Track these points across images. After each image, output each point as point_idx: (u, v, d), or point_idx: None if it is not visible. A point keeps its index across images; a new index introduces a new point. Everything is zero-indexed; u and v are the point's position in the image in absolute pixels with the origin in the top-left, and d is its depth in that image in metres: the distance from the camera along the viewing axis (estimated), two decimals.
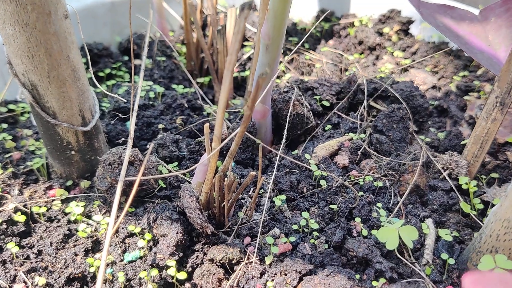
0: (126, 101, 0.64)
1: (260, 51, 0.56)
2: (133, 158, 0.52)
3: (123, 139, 0.61)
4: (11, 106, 0.66)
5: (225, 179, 0.47)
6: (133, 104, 0.50)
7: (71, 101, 0.50)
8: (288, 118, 0.63)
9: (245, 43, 0.86)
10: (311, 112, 0.65)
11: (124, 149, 0.53)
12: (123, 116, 0.66)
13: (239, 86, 0.80)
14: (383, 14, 0.88)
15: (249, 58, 0.82)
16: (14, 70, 0.48)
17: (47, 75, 0.47)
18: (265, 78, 0.41)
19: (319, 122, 0.68)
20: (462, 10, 0.61)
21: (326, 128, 0.67)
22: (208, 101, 0.74)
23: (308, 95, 0.70)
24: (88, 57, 0.57)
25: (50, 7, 0.44)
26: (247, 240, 0.50)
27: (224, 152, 0.62)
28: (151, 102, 0.68)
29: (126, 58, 0.81)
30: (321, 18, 0.58)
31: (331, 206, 0.53)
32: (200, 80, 0.78)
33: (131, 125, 0.49)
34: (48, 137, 0.53)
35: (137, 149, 0.53)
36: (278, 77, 0.78)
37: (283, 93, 0.64)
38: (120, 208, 0.52)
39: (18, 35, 0.44)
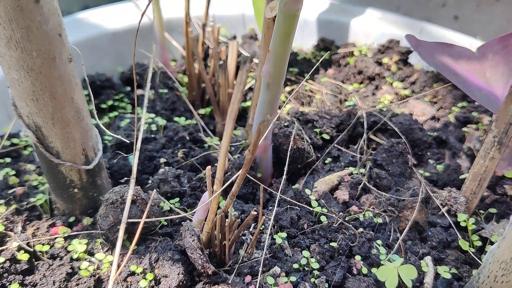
0: (128, 141, 0.65)
1: (261, 89, 0.57)
2: (135, 197, 0.52)
3: (125, 178, 0.61)
4: (15, 140, 0.67)
5: (226, 219, 0.48)
6: (136, 141, 0.51)
7: (74, 141, 0.51)
8: (288, 152, 0.63)
9: None
10: (311, 146, 0.66)
11: (125, 186, 0.54)
12: (126, 151, 0.66)
13: (240, 116, 0.81)
14: (382, 44, 0.89)
15: (250, 89, 0.83)
16: (19, 112, 0.49)
17: (51, 117, 0.48)
18: (266, 124, 0.42)
19: (319, 155, 0.69)
20: (459, 47, 0.62)
21: (326, 161, 0.68)
22: (209, 132, 0.74)
23: (308, 128, 0.71)
24: (90, 92, 0.57)
25: (55, 52, 0.45)
26: (248, 279, 0.51)
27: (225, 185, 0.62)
28: (153, 135, 0.69)
29: (128, 88, 0.82)
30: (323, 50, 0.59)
31: (331, 244, 0.54)
32: (201, 111, 0.79)
33: (134, 165, 0.50)
34: (51, 175, 0.54)
35: (139, 187, 0.54)
36: (278, 108, 0.79)
37: (284, 128, 0.65)
38: (123, 245, 0.53)
39: (23, 79, 0.45)
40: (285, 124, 0.65)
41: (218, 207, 0.50)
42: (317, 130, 0.70)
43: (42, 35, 0.43)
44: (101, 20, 0.83)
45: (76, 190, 0.55)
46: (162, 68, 0.82)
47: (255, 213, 0.47)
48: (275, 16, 0.57)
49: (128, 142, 0.67)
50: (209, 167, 0.45)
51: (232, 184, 0.46)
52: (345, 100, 0.82)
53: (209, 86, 0.74)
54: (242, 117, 0.81)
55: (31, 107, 0.47)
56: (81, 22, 0.82)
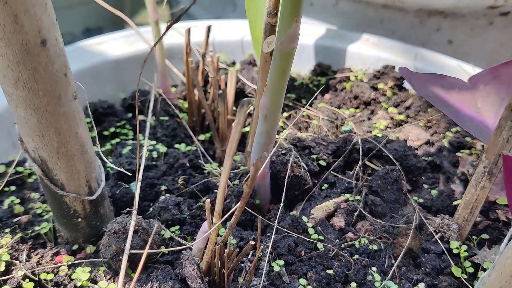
0: (130, 170, 0.66)
1: (259, 120, 0.59)
2: (137, 227, 0.54)
3: (127, 209, 0.63)
4: (19, 168, 0.69)
5: (225, 250, 0.49)
6: (138, 172, 0.53)
7: (78, 173, 0.53)
8: (286, 179, 0.65)
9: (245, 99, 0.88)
10: (308, 173, 0.68)
11: (127, 217, 0.55)
12: (128, 178, 0.68)
13: (239, 142, 0.83)
14: (378, 70, 0.91)
15: (249, 114, 0.85)
16: (25, 147, 0.51)
17: (56, 151, 0.50)
18: (263, 160, 0.44)
19: (316, 181, 0.71)
20: (452, 78, 0.64)
21: (323, 188, 0.70)
22: (209, 158, 0.76)
23: (305, 154, 0.73)
24: (93, 122, 0.59)
25: (60, 91, 0.47)
26: None
27: (224, 211, 0.64)
28: (154, 163, 0.71)
29: (129, 115, 0.84)
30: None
31: (327, 271, 0.55)
32: (201, 137, 0.80)
33: (136, 195, 0.51)
34: (55, 206, 0.55)
35: (140, 217, 0.55)
36: (277, 133, 0.81)
37: (281, 155, 0.67)
38: (125, 273, 0.54)
39: (30, 117, 0.47)
40: (283, 152, 0.67)
41: (218, 235, 0.52)
42: (314, 156, 0.72)
43: (48, 75, 0.45)
44: (103, 48, 0.85)
45: (79, 219, 0.57)
46: (163, 95, 0.84)
47: (253, 242, 0.49)
48: (272, 51, 0.59)
49: (129, 166, 0.69)
50: (208, 200, 0.47)
51: (231, 213, 0.48)
52: (342, 125, 0.84)
53: (209, 113, 0.76)
54: (241, 142, 0.83)
55: (37, 142, 0.49)
56: (84, 50, 0.84)
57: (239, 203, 0.46)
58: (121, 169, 0.53)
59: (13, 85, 0.45)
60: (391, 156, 0.70)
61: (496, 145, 0.53)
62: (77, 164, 0.52)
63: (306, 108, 0.86)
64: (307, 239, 0.59)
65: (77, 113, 0.50)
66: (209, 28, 0.77)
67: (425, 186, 0.74)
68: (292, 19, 0.49)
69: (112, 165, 0.52)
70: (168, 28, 0.38)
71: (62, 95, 0.47)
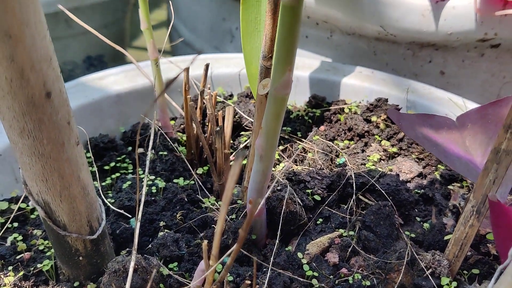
0: (130, 216, 0.68)
1: (255, 160, 0.61)
2: (137, 266, 0.56)
3: (127, 249, 0.65)
4: (22, 205, 0.71)
5: None
6: (137, 214, 0.55)
7: (80, 214, 0.55)
8: (282, 215, 0.67)
9: (242, 132, 0.91)
10: (303, 209, 0.70)
11: (127, 256, 0.57)
12: (128, 213, 0.70)
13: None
14: (371, 103, 0.93)
15: (246, 147, 0.87)
16: (29, 190, 0.53)
17: (59, 194, 0.52)
18: (258, 204, 0.46)
19: (311, 215, 0.72)
20: (440, 117, 0.67)
21: (318, 222, 0.72)
22: (207, 192, 0.78)
23: (300, 188, 0.75)
24: (93, 158, 0.61)
25: (63, 139, 0.49)
26: None
27: (222, 247, 0.66)
28: (153, 198, 0.73)
29: (129, 148, 0.86)
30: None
31: None
32: (199, 170, 0.82)
33: (135, 236, 0.53)
34: (57, 245, 0.57)
35: (140, 255, 0.57)
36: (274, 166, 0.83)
37: (277, 191, 0.69)
38: None
39: (34, 163, 0.49)
40: (278, 188, 0.69)
41: (216, 271, 0.54)
42: (309, 191, 0.74)
43: (53, 125, 0.47)
44: (105, 83, 0.88)
45: (81, 258, 0.58)
46: (162, 130, 0.86)
47: (249, 282, 0.51)
48: (267, 93, 0.62)
49: (129, 202, 0.70)
50: (205, 243, 0.49)
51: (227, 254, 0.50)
52: (337, 157, 0.86)
53: (206, 149, 0.78)
54: (239, 174, 0.85)
55: (41, 186, 0.51)
56: (86, 85, 0.86)
57: (235, 246, 0.48)
58: (121, 211, 0.55)
59: (19, 135, 0.47)
60: (383, 192, 0.72)
61: (483, 186, 0.55)
62: (79, 206, 0.54)
63: (302, 142, 0.88)
64: (302, 277, 0.61)
65: (79, 158, 0.52)
66: (207, 66, 0.79)
67: (418, 219, 0.76)
68: (285, 68, 0.51)
69: (113, 207, 0.54)
70: (167, 85, 0.40)
71: (65, 142, 0.49)
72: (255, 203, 0.60)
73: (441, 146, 0.63)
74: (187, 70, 0.76)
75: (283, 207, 0.67)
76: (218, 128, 0.73)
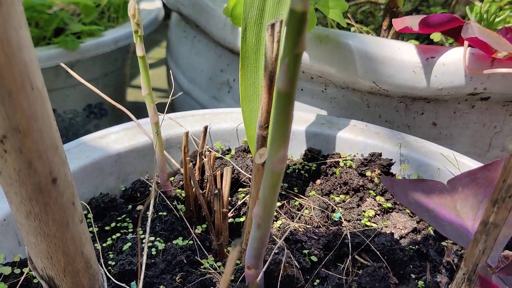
0: (130, 284, 0.70)
1: (252, 227, 0.63)
2: None
3: None
4: (25, 269, 0.72)
5: None
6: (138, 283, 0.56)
7: (83, 287, 0.57)
8: (279, 279, 0.68)
9: (240, 189, 0.93)
10: (300, 272, 0.71)
11: None
12: (128, 277, 0.71)
13: (234, 230, 0.86)
14: (365, 158, 0.96)
15: (244, 204, 0.89)
16: (34, 266, 0.54)
17: (63, 270, 0.54)
18: (257, 272, 0.47)
19: (308, 277, 0.74)
20: (432, 181, 0.69)
21: (315, 283, 0.73)
22: (205, 251, 0.80)
23: (297, 248, 0.77)
24: (92, 218, 0.63)
25: (68, 219, 0.51)
26: None
27: None
28: (152, 260, 0.74)
29: (130, 207, 0.87)
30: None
31: None
32: (198, 229, 0.84)
33: None
34: None
35: None
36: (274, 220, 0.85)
37: (274, 254, 0.70)
38: None
39: (40, 243, 0.51)
40: (276, 251, 0.71)
41: None
42: (306, 251, 0.76)
43: (58, 207, 0.49)
44: (105, 142, 0.90)
45: None
46: (162, 188, 0.88)
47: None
48: (264, 162, 0.64)
49: (130, 266, 0.72)
50: None
51: None
52: (333, 211, 0.88)
53: (205, 209, 0.80)
54: (235, 231, 0.87)
55: (45, 263, 0.53)
56: (88, 145, 0.89)
57: None
58: (123, 284, 0.57)
59: (25, 217, 0.49)
60: (378, 253, 0.74)
61: (473, 255, 0.57)
62: (82, 279, 0.56)
63: (298, 198, 0.90)
64: None
65: (83, 234, 0.54)
66: (206, 128, 0.82)
67: (413, 275, 0.77)
68: (281, 146, 0.54)
69: (114, 279, 0.56)
70: (169, 176, 0.42)
71: (70, 221, 0.51)
72: (255, 274, 0.61)
73: (432, 212, 0.65)
74: (186, 134, 0.78)
75: (281, 271, 0.68)
76: (216, 191, 0.75)
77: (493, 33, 0.99)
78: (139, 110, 2.18)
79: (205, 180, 0.90)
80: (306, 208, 0.88)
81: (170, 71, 1.57)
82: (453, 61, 0.98)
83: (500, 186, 0.52)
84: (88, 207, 0.84)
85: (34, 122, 0.43)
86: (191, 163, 0.79)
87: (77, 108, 1.52)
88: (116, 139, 0.93)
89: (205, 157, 0.80)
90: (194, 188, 0.83)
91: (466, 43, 0.96)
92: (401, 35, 1.39)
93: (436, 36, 1.22)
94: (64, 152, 0.49)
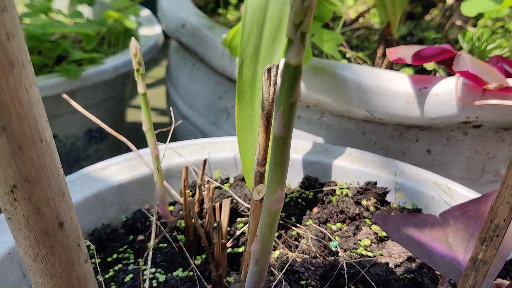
0: None
1: (251, 262, 0.65)
2: None
3: None
4: None
5: None
6: None
7: None
8: None
9: (239, 218, 0.95)
10: None
11: None
12: None
13: (233, 260, 0.88)
14: (361, 187, 0.98)
15: (243, 233, 0.91)
16: None
17: None
18: None
19: None
20: (424, 215, 0.71)
21: None
22: (205, 282, 0.81)
23: (295, 279, 0.79)
24: (94, 249, 0.65)
25: (73, 260, 0.53)
26: None
27: None
28: None
29: (131, 237, 0.89)
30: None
31: None
32: (198, 259, 0.86)
33: None
34: None
35: None
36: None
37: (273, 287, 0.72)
38: None
39: (46, 283, 0.53)
40: (274, 283, 0.73)
41: None
42: (303, 282, 0.78)
43: (64, 249, 0.51)
44: (107, 173, 0.93)
45: None
46: (162, 219, 0.90)
47: None
48: (262, 198, 0.66)
49: None
50: None
51: None
52: (330, 240, 0.90)
53: (204, 240, 0.82)
54: (234, 261, 0.89)
55: None
56: (90, 177, 0.91)
57: None
58: None
59: (33, 260, 0.51)
60: (373, 284, 0.76)
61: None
62: None
63: (296, 227, 0.92)
64: None
65: (87, 273, 0.56)
66: (205, 161, 0.84)
67: None
68: (277, 187, 0.56)
69: None
70: (169, 226, 0.44)
71: (75, 262, 0.53)
72: None
73: (425, 246, 0.67)
74: (186, 168, 0.81)
75: None
76: (215, 224, 0.77)
77: (484, 64, 1.02)
78: (138, 131, 2.20)
79: (204, 210, 0.92)
80: (303, 238, 0.90)
81: (170, 95, 1.60)
82: (445, 91, 1.01)
83: (488, 225, 0.54)
84: (91, 238, 0.86)
85: (42, 171, 0.46)
86: (190, 194, 0.81)
87: (78, 133, 1.54)
88: (117, 170, 0.95)
89: (204, 187, 0.82)
90: (193, 219, 0.85)
91: (457, 74, 0.99)
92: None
93: (429, 65, 1.25)
94: (71, 197, 0.51)
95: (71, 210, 0.51)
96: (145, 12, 1.92)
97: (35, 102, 0.43)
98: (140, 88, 0.77)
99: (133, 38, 0.74)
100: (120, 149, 1.78)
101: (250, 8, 0.84)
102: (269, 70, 0.64)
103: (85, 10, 2.01)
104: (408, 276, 0.83)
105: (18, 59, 0.40)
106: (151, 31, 1.75)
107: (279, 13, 0.84)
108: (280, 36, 0.84)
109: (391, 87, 1.02)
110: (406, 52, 1.04)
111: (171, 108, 0.99)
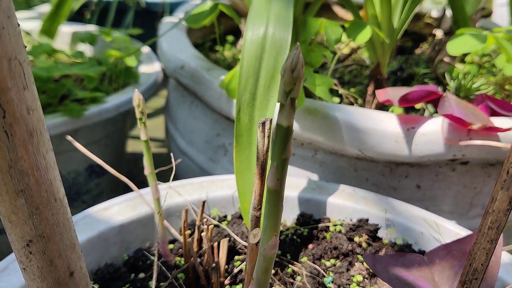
0: None
1: None
2: None
3: None
4: None
5: None
6: None
7: None
8: None
9: (236, 256, 0.99)
10: None
11: None
12: None
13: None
14: (353, 224, 1.02)
15: (240, 271, 0.95)
16: None
17: None
18: None
19: None
20: (411, 255, 0.75)
21: None
22: None
23: None
24: None
25: None
26: None
27: None
28: None
29: (132, 276, 0.93)
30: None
31: None
32: None
33: None
34: None
35: None
36: None
37: None
38: None
39: None
40: None
41: None
42: None
43: None
44: (109, 214, 0.97)
45: None
46: (162, 258, 0.94)
47: None
48: (258, 241, 0.70)
49: None
50: None
51: None
52: (323, 276, 0.94)
53: (203, 279, 0.86)
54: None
55: None
56: (92, 217, 0.95)
57: None
58: None
59: None
60: None
61: None
62: None
63: (291, 264, 0.96)
64: None
65: None
66: (203, 203, 0.89)
67: None
68: (272, 234, 0.60)
69: None
70: (173, 276, 0.49)
71: None
72: None
73: (412, 285, 0.71)
74: (186, 211, 0.85)
75: None
76: (214, 265, 0.81)
77: (468, 105, 1.08)
78: (138, 161, 2.24)
79: (203, 247, 0.96)
80: (298, 275, 0.94)
81: (169, 131, 1.65)
82: (432, 131, 1.06)
83: (468, 269, 0.59)
84: (94, 277, 0.89)
85: (56, 227, 0.50)
86: (190, 233, 0.86)
87: (80, 169, 1.58)
88: (119, 210, 0.99)
89: (203, 226, 0.86)
90: (192, 258, 0.89)
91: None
92: None
93: (417, 104, 1.30)
94: (80, 247, 0.56)
95: (80, 260, 0.55)
96: (145, 49, 1.99)
97: (51, 166, 0.48)
98: (143, 136, 0.82)
99: (136, 90, 0.79)
100: (120, 183, 1.82)
101: (247, 58, 0.90)
102: (263, 123, 0.69)
103: (86, 47, 2.07)
104: None
105: (36, 130, 0.45)
106: (151, 68, 1.81)
107: (273, 63, 0.90)
108: (274, 84, 0.89)
109: (380, 127, 1.07)
110: (393, 94, 1.09)
111: (171, 154, 1.03)
